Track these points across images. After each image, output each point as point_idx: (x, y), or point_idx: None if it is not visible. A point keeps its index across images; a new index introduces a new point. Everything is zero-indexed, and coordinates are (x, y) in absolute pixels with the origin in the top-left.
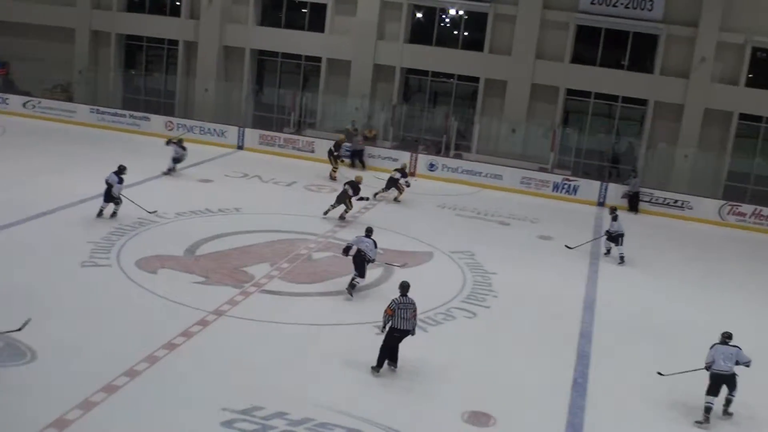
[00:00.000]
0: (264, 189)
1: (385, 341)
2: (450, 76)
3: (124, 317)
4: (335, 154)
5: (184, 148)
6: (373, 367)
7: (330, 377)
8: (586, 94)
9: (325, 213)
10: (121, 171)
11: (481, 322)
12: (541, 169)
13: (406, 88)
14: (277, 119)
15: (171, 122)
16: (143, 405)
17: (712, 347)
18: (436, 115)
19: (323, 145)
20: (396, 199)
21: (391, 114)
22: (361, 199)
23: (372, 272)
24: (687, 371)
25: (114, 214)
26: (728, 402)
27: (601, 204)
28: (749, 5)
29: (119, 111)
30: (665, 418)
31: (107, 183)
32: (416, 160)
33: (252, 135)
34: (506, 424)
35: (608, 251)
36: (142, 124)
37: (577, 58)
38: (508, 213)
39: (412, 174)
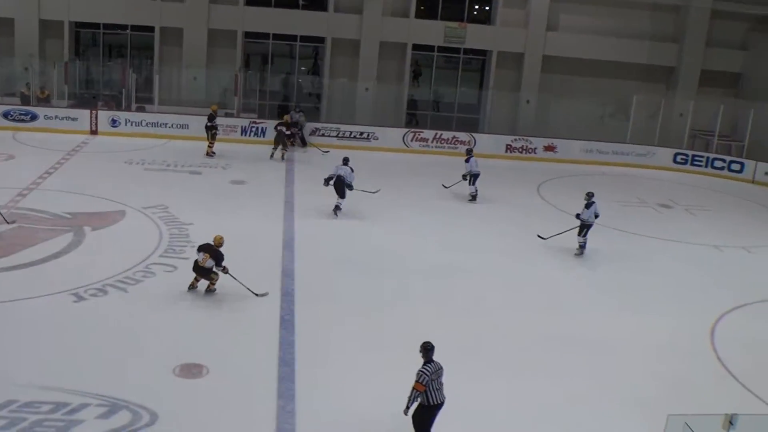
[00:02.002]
0: None
1: (424, 422)
2: (124, 27)
3: None
4: (208, 125)
5: None
6: None
7: (29, 353)
8: (265, 35)
9: (271, 156)
10: None
11: (182, 274)
12: (228, 115)
13: (78, 43)
14: None
15: None
16: None
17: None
18: (113, 69)
19: None
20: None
21: (64, 71)
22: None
23: (61, 238)
24: (564, 231)
25: None
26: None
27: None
28: None
29: None
30: (372, 345)
31: None
32: (96, 117)
33: None
34: (219, 372)
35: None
36: None
37: (253, 1)
38: (198, 162)
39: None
